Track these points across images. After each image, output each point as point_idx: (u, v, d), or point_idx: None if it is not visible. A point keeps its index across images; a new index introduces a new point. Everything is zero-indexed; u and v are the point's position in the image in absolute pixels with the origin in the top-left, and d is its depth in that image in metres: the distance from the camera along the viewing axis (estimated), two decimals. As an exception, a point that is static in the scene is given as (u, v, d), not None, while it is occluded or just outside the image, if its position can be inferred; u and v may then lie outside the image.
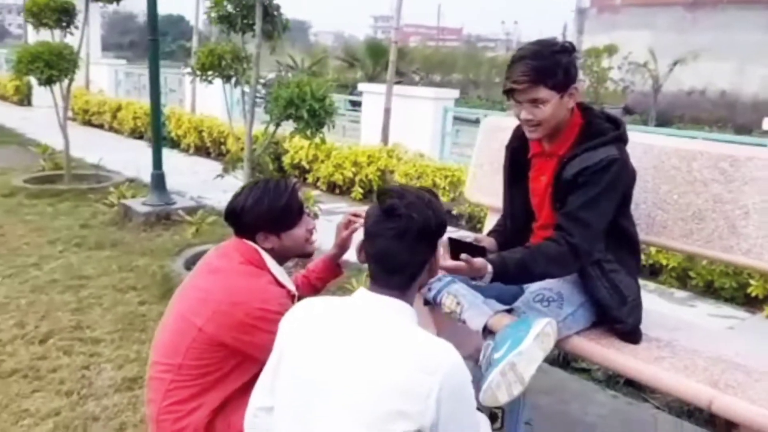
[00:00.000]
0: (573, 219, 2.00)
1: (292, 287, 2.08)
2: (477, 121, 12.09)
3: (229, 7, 4.26)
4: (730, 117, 18.59)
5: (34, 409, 2.73)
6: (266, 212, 2.01)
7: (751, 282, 4.19)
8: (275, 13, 4.30)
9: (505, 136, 3.11)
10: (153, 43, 5.62)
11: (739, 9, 20.50)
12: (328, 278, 2.37)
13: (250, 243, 2.04)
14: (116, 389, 2.90)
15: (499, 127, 3.24)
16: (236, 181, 4.44)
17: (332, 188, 7.23)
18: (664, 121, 18.77)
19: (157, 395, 1.97)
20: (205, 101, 10.31)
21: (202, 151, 9.43)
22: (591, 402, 2.96)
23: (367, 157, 6.85)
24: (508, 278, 1.99)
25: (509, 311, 2.07)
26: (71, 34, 6.70)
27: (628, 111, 20.34)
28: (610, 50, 22.36)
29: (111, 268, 4.36)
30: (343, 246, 2.30)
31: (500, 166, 3.05)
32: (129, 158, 8.32)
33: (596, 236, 2.03)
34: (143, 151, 9.51)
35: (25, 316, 3.58)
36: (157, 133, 5.75)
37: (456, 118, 7.69)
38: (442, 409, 1.33)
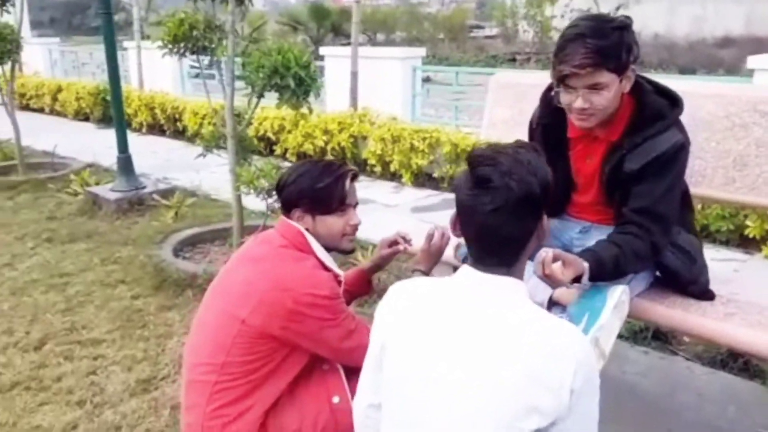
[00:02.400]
0: (651, 216, 1.86)
1: (338, 271, 1.94)
2: (428, 80, 11.95)
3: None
4: (671, 58, 18.89)
5: (47, 424, 2.51)
6: (304, 189, 1.88)
7: (748, 223, 4.21)
8: (246, -23, 4.03)
9: (517, 92, 3.00)
10: (107, 17, 5.25)
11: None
12: (357, 293, 2.24)
13: (295, 224, 1.90)
14: (131, 393, 2.69)
15: (509, 83, 3.12)
16: (220, 159, 4.21)
17: (303, 158, 6.98)
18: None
19: (200, 399, 1.81)
20: (154, 77, 9.84)
21: (155, 129, 9.00)
22: (626, 361, 2.91)
23: (337, 124, 6.61)
24: (602, 276, 1.82)
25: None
26: (7, 12, 6.22)
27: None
28: (551, -1, 22.34)
29: (92, 262, 4.08)
30: (381, 264, 2.20)
31: (516, 124, 2.94)
32: (80, 142, 7.91)
33: (672, 225, 1.93)
34: (93, 133, 9.09)
35: (11, 322, 3.31)
36: (119, 113, 5.39)
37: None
38: (573, 399, 1.20)
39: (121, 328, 3.24)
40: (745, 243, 4.35)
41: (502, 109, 3.02)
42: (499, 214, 1.30)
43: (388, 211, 5.41)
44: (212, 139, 4.02)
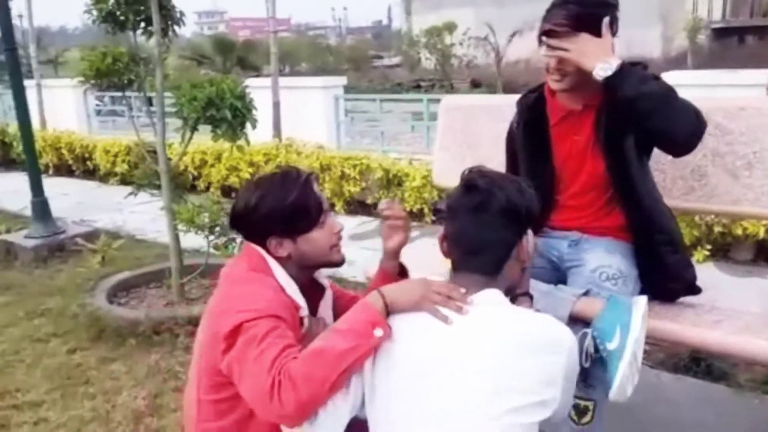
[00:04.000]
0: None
1: (300, 301, 1.65)
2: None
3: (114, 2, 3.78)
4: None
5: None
6: (274, 210, 1.62)
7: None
8: (169, 6, 3.86)
9: (466, 114, 3.01)
10: (11, 54, 4.90)
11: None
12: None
13: (257, 248, 1.66)
14: (86, 458, 2.45)
15: (458, 106, 3.13)
16: (140, 197, 3.98)
17: (227, 192, 6.74)
18: (510, 90, 19.57)
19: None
20: (56, 116, 9.31)
21: (63, 170, 8.50)
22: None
23: (263, 155, 6.47)
24: (630, 77, 1.85)
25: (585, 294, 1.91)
26: None
27: (475, 84, 21.03)
28: (450, 28, 22.96)
29: (16, 317, 3.73)
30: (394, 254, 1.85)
31: (468, 145, 2.93)
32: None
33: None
34: (-5, 177, 8.48)
35: (-71, 392, 2.95)
36: (32, 155, 5.04)
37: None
38: (565, 385, 1.32)
39: (61, 387, 2.94)
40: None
41: (453, 132, 3.01)
42: (478, 215, 1.41)
43: (325, 242, 5.29)
44: (145, 177, 3.81)
